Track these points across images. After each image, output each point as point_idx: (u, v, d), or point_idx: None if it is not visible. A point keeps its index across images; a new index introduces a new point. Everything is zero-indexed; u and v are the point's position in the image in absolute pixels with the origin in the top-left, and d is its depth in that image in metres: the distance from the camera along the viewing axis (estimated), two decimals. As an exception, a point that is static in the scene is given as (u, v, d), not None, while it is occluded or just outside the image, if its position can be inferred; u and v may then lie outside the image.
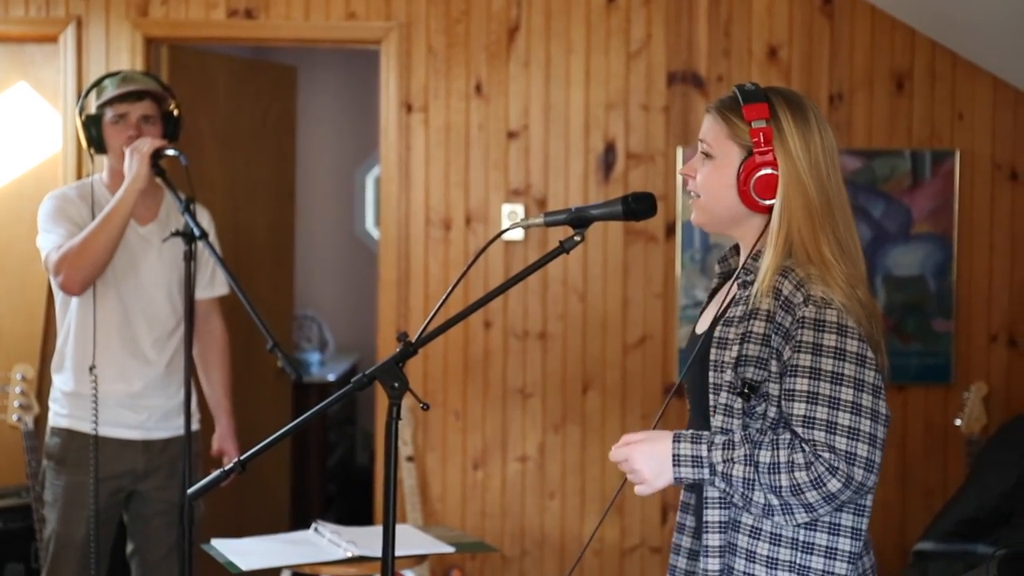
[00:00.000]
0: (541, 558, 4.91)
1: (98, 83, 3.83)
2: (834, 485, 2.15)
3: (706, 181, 2.38)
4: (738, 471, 2.21)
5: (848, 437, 2.16)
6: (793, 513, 2.21)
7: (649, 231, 4.86)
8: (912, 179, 4.84)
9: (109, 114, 3.76)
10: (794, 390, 2.21)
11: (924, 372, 4.86)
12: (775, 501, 2.20)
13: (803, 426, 2.18)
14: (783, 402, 2.23)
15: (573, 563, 4.87)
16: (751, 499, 2.22)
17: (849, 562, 2.26)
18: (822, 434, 2.16)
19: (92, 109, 3.79)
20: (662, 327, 4.88)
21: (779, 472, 2.18)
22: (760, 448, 2.20)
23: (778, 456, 2.18)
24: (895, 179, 4.84)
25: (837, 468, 2.15)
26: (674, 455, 2.26)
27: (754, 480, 2.20)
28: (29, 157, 5.10)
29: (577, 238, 2.37)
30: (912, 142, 4.86)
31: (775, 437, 2.21)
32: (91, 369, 3.74)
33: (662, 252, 4.87)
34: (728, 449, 2.22)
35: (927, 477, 4.88)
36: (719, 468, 2.23)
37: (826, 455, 2.15)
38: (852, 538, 2.27)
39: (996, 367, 4.88)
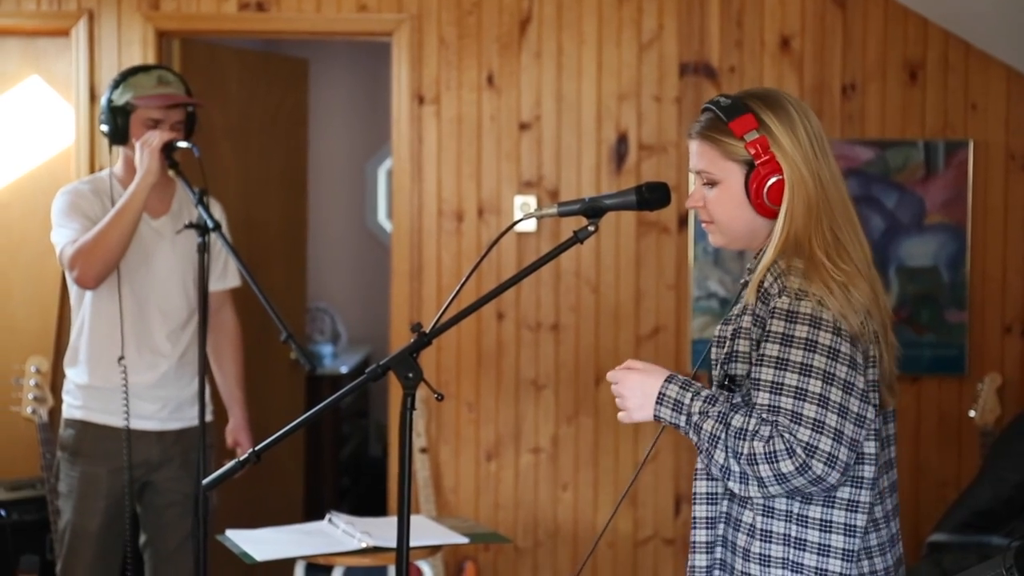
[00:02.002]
0: (554, 549, 4.91)
1: (131, 75, 3.81)
2: (786, 466, 2.13)
3: (718, 206, 2.37)
4: (708, 425, 2.21)
5: (812, 429, 2.14)
6: (748, 484, 2.19)
7: (662, 222, 4.85)
8: (925, 170, 4.82)
9: (142, 114, 3.75)
10: (759, 379, 2.20)
11: (938, 363, 4.85)
12: (735, 467, 2.19)
13: (768, 413, 2.17)
14: (751, 391, 2.22)
15: (586, 555, 4.87)
16: (713, 456, 2.22)
17: (844, 559, 2.24)
18: (786, 421, 2.15)
19: (121, 101, 3.78)
20: (675, 318, 4.88)
21: (744, 438, 2.17)
22: (736, 412, 2.20)
23: (748, 423, 2.18)
24: (908, 170, 4.82)
25: (795, 452, 2.13)
26: (660, 393, 2.27)
27: (720, 438, 2.20)
28: (42, 151, 5.12)
29: (591, 228, 2.37)
30: (925, 132, 4.84)
31: (751, 409, 2.21)
32: (120, 360, 3.75)
33: (675, 243, 4.87)
34: (708, 403, 2.23)
35: (941, 468, 4.87)
36: (694, 418, 2.23)
37: (787, 436, 2.14)
38: (846, 535, 2.25)
39: (1010, 358, 4.87)
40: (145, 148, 3.66)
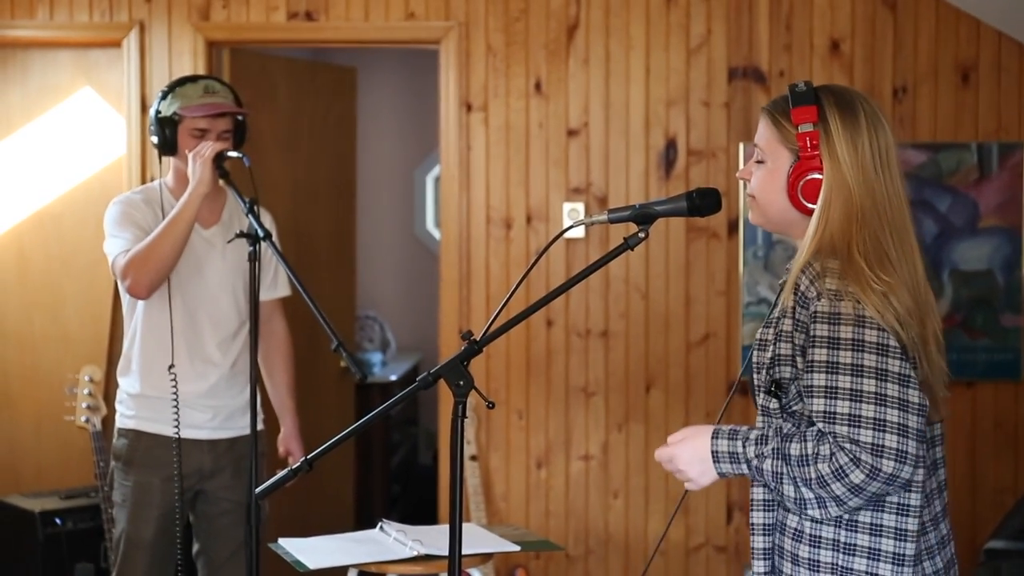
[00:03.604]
0: (605, 557, 4.89)
1: (179, 85, 3.83)
2: (857, 476, 2.11)
3: (759, 185, 2.37)
4: (768, 465, 2.20)
5: (874, 429, 2.11)
6: (827, 506, 2.18)
7: (712, 228, 4.83)
8: (979, 172, 4.77)
9: (189, 124, 3.77)
10: (812, 386, 2.18)
11: (993, 368, 4.79)
12: (808, 494, 2.17)
13: (824, 421, 2.16)
14: (805, 399, 2.21)
15: (641, 564, 4.85)
16: (783, 492, 2.20)
17: (895, 563, 2.22)
18: (844, 428, 2.13)
19: (168, 112, 3.80)
20: (725, 324, 4.85)
21: (807, 464, 2.15)
22: (791, 441, 2.18)
23: (806, 448, 2.16)
24: (961, 172, 4.77)
25: (860, 459, 2.11)
26: (713, 451, 2.26)
27: (783, 473, 2.18)
28: (94, 162, 5.16)
29: (641, 235, 2.36)
30: (978, 135, 4.79)
31: (805, 430, 2.19)
32: (170, 368, 3.76)
33: (725, 249, 4.84)
34: (761, 444, 2.22)
35: (997, 475, 4.81)
36: (753, 463, 2.22)
37: (847, 446, 2.12)
38: (896, 539, 2.22)
39: (1067, 362, 4.80)
40: (197, 159, 3.68)
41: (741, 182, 4.85)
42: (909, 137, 4.77)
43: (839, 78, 4.76)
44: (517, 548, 3.48)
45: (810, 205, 2.29)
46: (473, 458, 4.85)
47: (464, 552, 2.75)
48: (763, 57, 4.82)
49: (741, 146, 4.79)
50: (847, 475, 2.12)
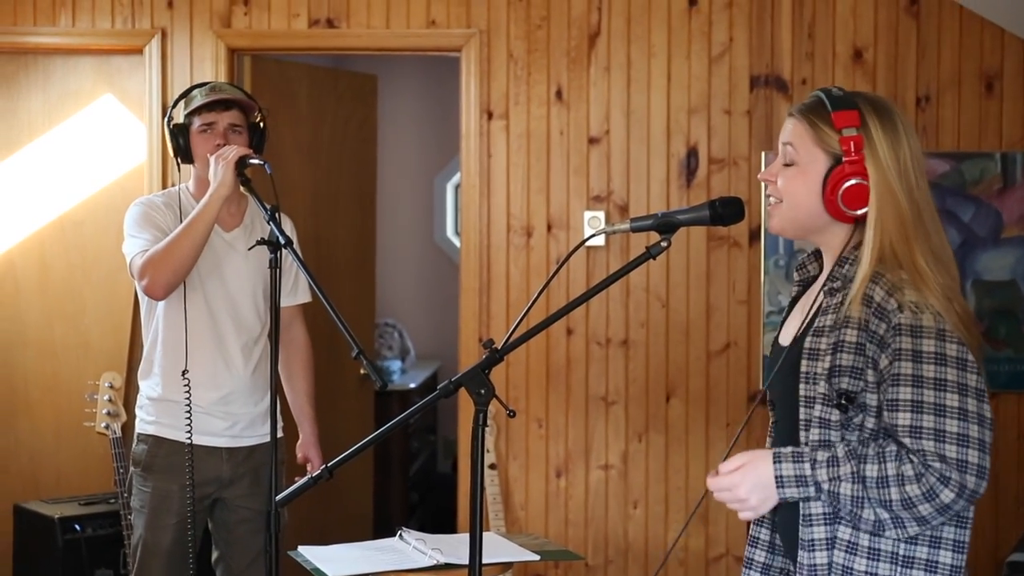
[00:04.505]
0: (625, 567, 4.87)
1: (187, 93, 3.86)
2: (947, 496, 2.10)
3: (789, 187, 2.34)
4: (846, 489, 2.15)
5: (958, 444, 2.10)
6: (905, 527, 2.16)
7: (733, 236, 4.81)
8: (1002, 182, 4.74)
9: (197, 123, 3.79)
10: (897, 400, 2.15)
11: (1016, 379, 4.75)
12: (885, 515, 2.15)
13: (910, 436, 2.13)
14: (886, 412, 2.17)
15: (661, 574, 4.83)
16: (860, 516, 2.17)
17: (952, 575, 2.21)
18: (931, 443, 2.11)
19: (180, 118, 3.82)
20: (746, 334, 4.82)
21: (888, 486, 2.12)
22: (866, 463, 2.14)
23: (886, 470, 2.12)
24: (985, 182, 4.74)
25: (949, 478, 2.09)
26: (777, 476, 2.20)
27: (863, 497, 2.14)
28: (115, 168, 5.17)
29: (664, 244, 2.34)
30: (1002, 144, 4.76)
31: (880, 450, 2.15)
32: (183, 374, 3.76)
33: (746, 258, 4.82)
34: (833, 466, 2.16)
35: (1020, 487, 4.77)
36: (825, 486, 2.17)
37: (937, 465, 2.10)
38: (954, 551, 2.21)
39: (1091, 373, 4.77)
40: (220, 161, 3.68)
41: (763, 186, 4.85)
42: (932, 146, 4.74)
43: (862, 86, 4.74)
44: (537, 557, 3.46)
45: (849, 211, 2.26)
46: (492, 466, 4.84)
47: (484, 561, 2.73)
48: (785, 65, 4.80)
49: (763, 155, 4.77)
50: (937, 495, 2.10)
